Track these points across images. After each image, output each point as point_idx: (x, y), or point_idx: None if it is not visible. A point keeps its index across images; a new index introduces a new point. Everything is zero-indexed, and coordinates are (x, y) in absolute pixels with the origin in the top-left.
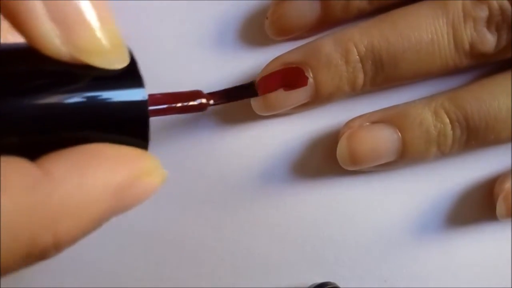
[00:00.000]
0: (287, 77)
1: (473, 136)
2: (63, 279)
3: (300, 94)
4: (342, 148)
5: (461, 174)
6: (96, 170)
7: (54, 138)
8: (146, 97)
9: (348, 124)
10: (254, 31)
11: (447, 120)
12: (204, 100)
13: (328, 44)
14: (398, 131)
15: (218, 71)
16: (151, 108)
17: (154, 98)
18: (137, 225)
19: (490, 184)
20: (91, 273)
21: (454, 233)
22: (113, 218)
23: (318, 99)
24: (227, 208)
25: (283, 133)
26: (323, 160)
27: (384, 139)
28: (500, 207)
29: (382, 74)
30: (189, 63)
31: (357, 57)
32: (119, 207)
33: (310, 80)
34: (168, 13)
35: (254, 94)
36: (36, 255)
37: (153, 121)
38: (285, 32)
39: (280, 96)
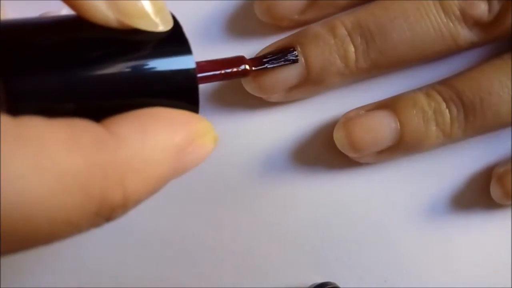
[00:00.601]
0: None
1: (471, 112)
2: (63, 279)
3: (291, 71)
4: (339, 135)
5: (461, 174)
6: (157, 131)
7: (110, 104)
8: (194, 65)
9: (344, 115)
10: (243, 23)
11: (440, 98)
12: (247, 66)
13: (315, 25)
14: (393, 113)
15: None
16: (199, 75)
17: (201, 65)
18: (137, 225)
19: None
20: (91, 273)
21: (454, 233)
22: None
23: (311, 77)
24: (227, 208)
25: (283, 131)
26: (324, 160)
27: (381, 122)
28: (494, 189)
29: (374, 47)
30: None
31: (345, 31)
32: (179, 168)
33: (301, 57)
34: None
35: (295, 60)
36: (106, 213)
37: None
38: (274, 13)
39: (272, 75)
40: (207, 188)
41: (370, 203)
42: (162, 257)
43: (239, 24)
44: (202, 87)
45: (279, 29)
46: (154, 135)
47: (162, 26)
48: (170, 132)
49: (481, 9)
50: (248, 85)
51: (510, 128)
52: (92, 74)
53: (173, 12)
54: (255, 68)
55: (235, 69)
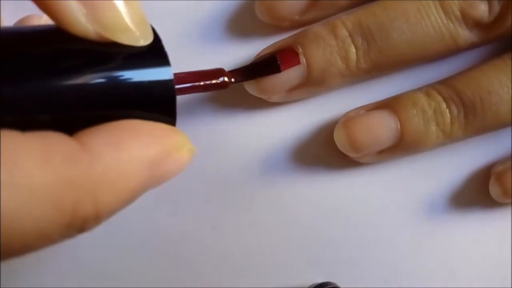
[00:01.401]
0: (279, 57)
1: (471, 112)
2: (63, 279)
3: (292, 72)
4: (339, 134)
5: (460, 174)
6: (131, 144)
7: (86, 115)
8: (172, 76)
9: (344, 115)
10: (243, 24)
11: (440, 98)
12: (226, 78)
13: (316, 25)
14: (393, 113)
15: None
16: (177, 87)
17: (179, 77)
18: (137, 225)
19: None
20: (91, 273)
21: (454, 232)
22: (113, 219)
23: (312, 78)
24: (227, 208)
25: (283, 131)
26: (324, 160)
27: (381, 121)
28: (493, 188)
29: (375, 47)
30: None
31: (346, 32)
32: (153, 180)
33: (302, 58)
34: (154, 10)
35: (277, 69)
36: (78, 225)
37: None
38: (275, 13)
39: (273, 76)
40: (207, 188)
41: (370, 203)
42: (162, 257)
43: (239, 24)
44: None
45: (280, 29)
46: (128, 149)
47: (143, 40)
48: (145, 145)
49: (481, 10)
50: (249, 85)
51: (509, 128)
52: (68, 85)
53: (173, 12)
54: (235, 81)
55: (214, 81)
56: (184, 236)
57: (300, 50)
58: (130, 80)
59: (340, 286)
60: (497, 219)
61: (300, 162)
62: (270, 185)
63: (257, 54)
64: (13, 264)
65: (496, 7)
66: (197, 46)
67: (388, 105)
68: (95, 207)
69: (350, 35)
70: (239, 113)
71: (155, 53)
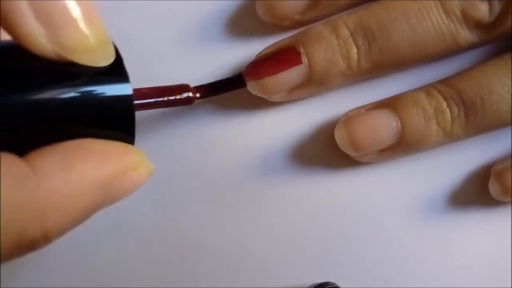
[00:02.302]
0: (280, 57)
1: (471, 111)
2: (63, 279)
3: (294, 72)
4: (340, 133)
5: (460, 173)
6: (82, 165)
7: (41, 133)
8: (131, 92)
9: (345, 114)
10: (243, 23)
11: (441, 97)
12: (190, 94)
13: (317, 25)
14: (394, 112)
15: (208, 65)
16: (137, 102)
17: (140, 92)
18: (137, 225)
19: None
20: (91, 273)
21: (454, 232)
22: (113, 219)
23: (313, 77)
24: (227, 208)
25: (283, 131)
26: (323, 160)
27: (382, 120)
28: (493, 186)
29: (376, 47)
30: (177, 59)
31: (347, 32)
32: (106, 200)
33: (304, 58)
34: (154, 10)
35: (242, 85)
36: (27, 246)
37: (152, 121)
38: (276, 12)
39: (274, 76)
40: (207, 188)
41: (370, 203)
42: (162, 257)
43: (240, 24)
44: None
45: (280, 29)
46: (79, 169)
47: (104, 61)
48: (98, 165)
49: (482, 10)
50: (251, 85)
51: (509, 127)
52: (20, 103)
53: (173, 11)
54: (200, 96)
55: (178, 97)
56: (184, 236)
57: (302, 49)
58: (87, 97)
59: (340, 286)
60: (497, 218)
61: (300, 162)
62: (270, 185)
63: (257, 54)
64: (13, 264)
65: (497, 7)
66: (197, 46)
67: (388, 104)
68: (42, 229)
69: (352, 35)
70: (239, 113)
71: (114, 71)
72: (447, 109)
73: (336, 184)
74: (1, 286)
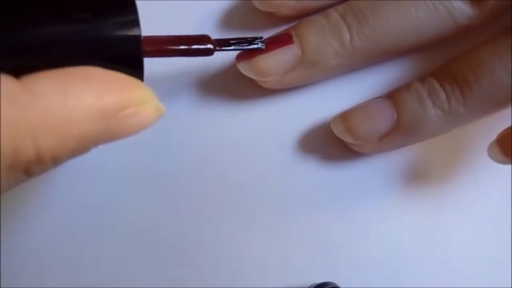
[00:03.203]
0: (271, 40)
1: (466, 85)
2: (63, 279)
3: (285, 52)
4: (335, 122)
5: (460, 174)
6: (80, 90)
7: (44, 62)
8: (140, 32)
9: (341, 112)
10: (242, 22)
11: (433, 79)
12: (210, 45)
13: (310, 17)
14: (388, 98)
15: (207, 64)
16: (151, 48)
17: (155, 39)
18: (137, 225)
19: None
20: (91, 273)
21: (454, 233)
22: (113, 219)
23: (306, 58)
24: (227, 208)
25: (283, 129)
26: (323, 160)
27: (375, 105)
28: (492, 149)
29: (368, 25)
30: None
31: (337, 14)
32: (106, 134)
33: (295, 38)
34: (154, 10)
35: (260, 47)
36: (20, 168)
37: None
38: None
39: (267, 57)
40: (207, 187)
41: (370, 203)
42: (162, 257)
43: (239, 24)
44: (199, 83)
45: (277, 22)
46: (76, 94)
47: None
48: (98, 93)
49: None
50: (243, 67)
51: (510, 120)
52: (26, 29)
53: (172, 12)
54: (219, 49)
55: (199, 46)
56: (183, 236)
57: (293, 32)
58: (97, 30)
59: (340, 286)
60: (497, 218)
61: (299, 162)
62: (270, 184)
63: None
64: (13, 264)
65: None
66: None
67: (383, 95)
68: (35, 150)
69: (342, 17)
70: (240, 113)
71: (124, 5)
72: (441, 89)
73: (335, 185)
74: (1, 286)
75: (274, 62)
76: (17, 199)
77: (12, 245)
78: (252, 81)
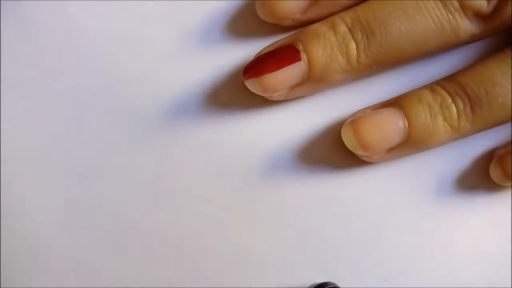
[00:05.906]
0: (279, 55)
1: (477, 104)
2: (63, 279)
3: (293, 69)
4: (347, 133)
5: (460, 174)
6: None
7: None
8: None
9: (351, 115)
10: (243, 23)
11: (445, 93)
12: None
13: (315, 24)
14: (400, 110)
15: (208, 65)
16: None
17: None
18: (137, 225)
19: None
20: (91, 273)
21: (454, 233)
22: (113, 219)
23: (313, 74)
24: (227, 208)
25: (282, 130)
26: (321, 160)
27: (388, 118)
28: (494, 170)
29: (375, 41)
30: (177, 59)
31: (345, 27)
32: None
33: (302, 55)
34: (155, 10)
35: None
36: None
37: (152, 120)
38: (276, 12)
39: (275, 74)
40: (207, 188)
41: (370, 203)
42: (162, 257)
43: (240, 24)
44: (201, 87)
45: (281, 29)
46: None
47: None
48: None
49: (480, 0)
50: (251, 83)
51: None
52: None
53: (173, 12)
54: None
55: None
56: (184, 236)
57: (301, 47)
58: None
59: (340, 286)
60: (497, 218)
61: (299, 162)
62: (270, 184)
63: (257, 53)
64: (13, 264)
65: None
66: (197, 46)
67: (394, 103)
68: None
69: (350, 31)
70: (240, 112)
71: None
72: (452, 104)
73: (335, 184)
74: (1, 286)
75: (282, 79)
76: (17, 199)
77: (12, 245)
78: None
